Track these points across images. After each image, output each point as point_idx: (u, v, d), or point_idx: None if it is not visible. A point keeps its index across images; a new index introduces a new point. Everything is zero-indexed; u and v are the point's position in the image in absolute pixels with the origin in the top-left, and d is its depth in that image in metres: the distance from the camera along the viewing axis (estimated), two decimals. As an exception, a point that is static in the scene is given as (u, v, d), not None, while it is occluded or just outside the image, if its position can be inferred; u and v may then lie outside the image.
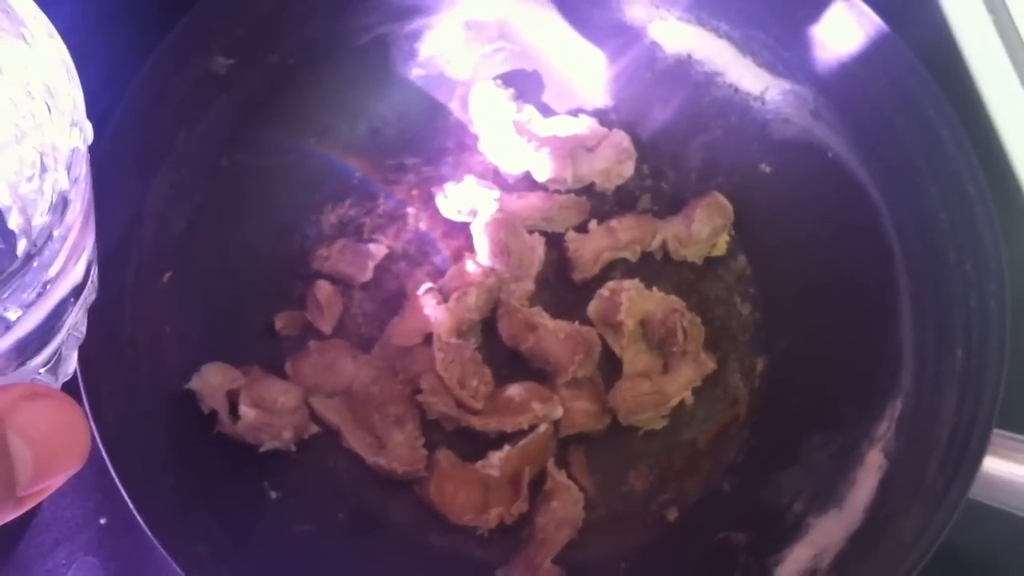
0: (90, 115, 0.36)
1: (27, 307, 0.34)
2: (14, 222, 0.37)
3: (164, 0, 0.65)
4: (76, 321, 0.40)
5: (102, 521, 0.66)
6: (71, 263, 0.36)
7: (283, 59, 0.69)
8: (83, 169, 0.35)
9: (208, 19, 0.65)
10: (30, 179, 0.37)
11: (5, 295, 0.33)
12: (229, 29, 0.66)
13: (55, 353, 0.39)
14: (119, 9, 0.66)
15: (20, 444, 0.31)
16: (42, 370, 0.39)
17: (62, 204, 0.34)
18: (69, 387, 0.40)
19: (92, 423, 0.56)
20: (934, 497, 0.60)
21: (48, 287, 0.35)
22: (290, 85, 0.70)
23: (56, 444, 0.32)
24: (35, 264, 0.33)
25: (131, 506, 0.55)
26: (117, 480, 0.55)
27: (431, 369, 0.67)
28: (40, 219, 0.36)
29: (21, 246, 0.37)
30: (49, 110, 0.36)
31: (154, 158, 0.65)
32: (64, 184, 0.34)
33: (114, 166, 0.61)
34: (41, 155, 0.37)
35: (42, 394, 0.32)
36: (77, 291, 0.38)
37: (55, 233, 0.34)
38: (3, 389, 0.32)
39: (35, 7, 0.36)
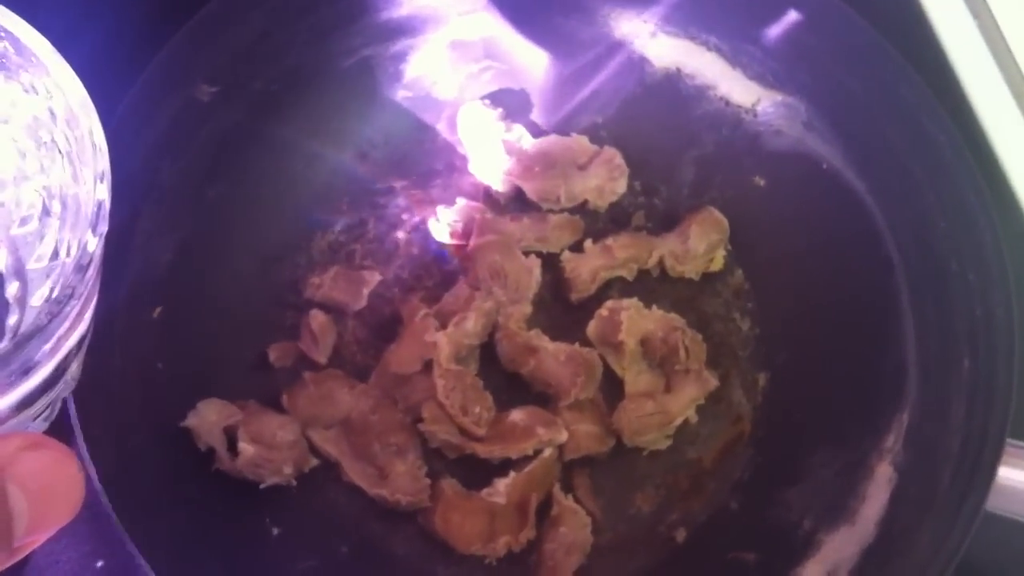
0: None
1: (38, 364, 0.34)
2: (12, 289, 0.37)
3: (148, 27, 0.63)
4: (76, 368, 0.40)
5: (99, 564, 0.64)
6: (83, 317, 0.36)
7: (267, 85, 0.68)
8: (106, 224, 0.35)
9: (190, 47, 0.64)
10: (25, 222, 0.37)
11: (20, 356, 0.32)
12: (212, 57, 0.65)
13: (53, 401, 0.39)
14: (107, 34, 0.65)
15: (18, 495, 0.31)
16: (36, 418, 0.38)
17: (87, 260, 0.33)
18: (60, 426, 0.39)
19: (91, 465, 0.54)
20: (949, 509, 0.59)
21: (60, 342, 0.34)
22: (274, 112, 0.69)
23: (52, 495, 0.32)
24: (53, 324, 0.33)
25: (135, 549, 0.53)
26: (119, 523, 0.53)
27: (432, 397, 0.66)
28: (35, 264, 0.36)
29: (12, 288, 0.37)
30: (63, 156, 0.36)
31: (138, 191, 0.63)
32: (91, 243, 0.34)
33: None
34: (44, 200, 0.36)
35: (40, 444, 0.32)
36: (82, 341, 0.37)
37: (77, 290, 0.33)
38: (1, 440, 0.32)
39: (60, 59, 0.35)
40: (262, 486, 0.63)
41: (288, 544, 0.64)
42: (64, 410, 0.53)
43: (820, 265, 0.70)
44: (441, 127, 0.74)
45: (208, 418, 0.63)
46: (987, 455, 0.59)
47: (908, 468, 0.63)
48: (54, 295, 0.34)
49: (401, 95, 0.73)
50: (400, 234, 0.72)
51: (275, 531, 0.64)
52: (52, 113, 0.36)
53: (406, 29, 0.71)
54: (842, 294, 0.69)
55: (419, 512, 0.66)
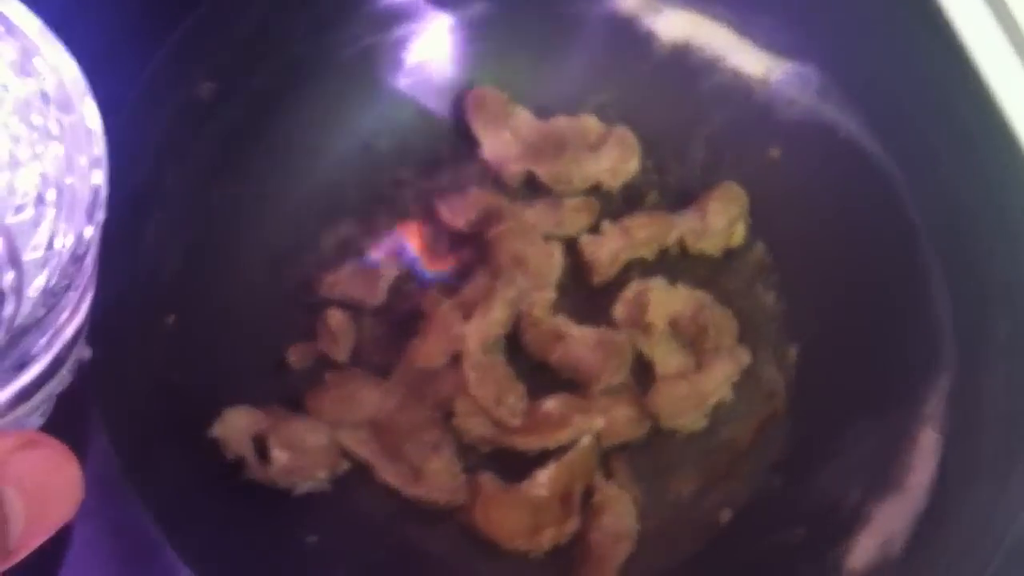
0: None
1: (34, 358, 0.33)
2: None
3: (149, 24, 0.61)
4: (73, 361, 0.38)
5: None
6: (80, 308, 0.35)
7: (267, 80, 0.66)
8: (103, 212, 0.34)
9: (192, 44, 0.62)
10: (20, 210, 0.35)
11: (16, 350, 0.32)
12: (212, 54, 0.63)
13: (49, 397, 0.37)
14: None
15: (14, 496, 0.30)
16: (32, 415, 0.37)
17: (83, 249, 0.32)
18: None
19: (140, 493, 0.52)
20: (1001, 471, 0.58)
21: (56, 335, 0.34)
22: (276, 107, 0.67)
23: (50, 495, 0.31)
24: (50, 316, 0.32)
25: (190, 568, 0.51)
26: (171, 545, 0.51)
27: (462, 390, 0.63)
28: (32, 254, 0.34)
29: (8, 278, 0.35)
30: (57, 141, 0.34)
31: (146, 197, 0.61)
32: (87, 230, 0.33)
33: (110, 209, 0.57)
34: (39, 187, 0.35)
35: (36, 443, 0.32)
36: (78, 334, 0.36)
37: (75, 280, 0.32)
38: None
39: (52, 37, 0.34)
40: (295, 493, 0.61)
41: (324, 553, 0.62)
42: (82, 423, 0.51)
43: (843, 234, 0.69)
44: (445, 114, 0.72)
45: (236, 426, 0.60)
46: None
47: (953, 433, 0.62)
48: (51, 285, 0.33)
49: (403, 83, 0.71)
50: (411, 225, 0.70)
51: (310, 540, 0.62)
52: (45, 95, 0.34)
53: (406, 15, 0.70)
54: (867, 261, 0.68)
55: (457, 510, 0.63)
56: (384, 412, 0.64)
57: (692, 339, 0.67)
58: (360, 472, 0.64)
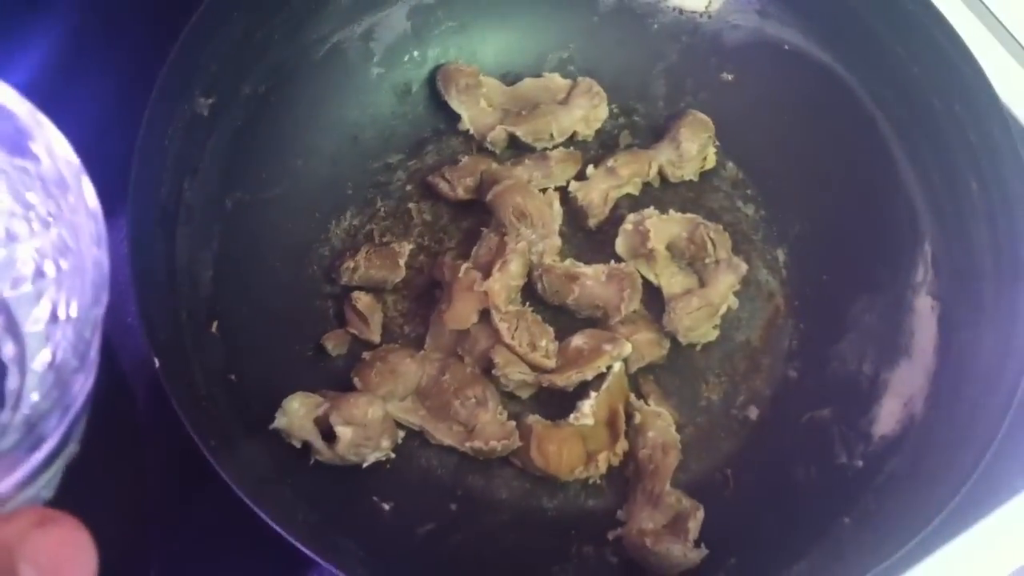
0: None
1: (45, 438, 0.34)
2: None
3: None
4: (80, 433, 0.39)
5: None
6: (87, 387, 0.36)
7: (255, 88, 0.69)
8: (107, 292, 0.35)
9: (185, 62, 0.64)
10: (18, 283, 0.37)
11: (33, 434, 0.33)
12: (204, 68, 0.65)
13: (58, 470, 0.38)
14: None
15: (31, 574, 0.31)
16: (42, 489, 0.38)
17: (91, 329, 0.34)
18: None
19: (237, 483, 0.54)
20: (1003, 315, 0.64)
21: (66, 414, 0.34)
22: (267, 113, 0.70)
23: (65, 570, 0.32)
24: (62, 397, 0.33)
25: (302, 548, 0.54)
26: (283, 530, 0.54)
27: (497, 342, 0.67)
28: (33, 327, 0.36)
29: (8, 349, 0.36)
30: (54, 219, 0.36)
31: (170, 213, 0.63)
32: (94, 310, 0.34)
33: (143, 228, 0.60)
34: (37, 261, 0.36)
35: (50, 520, 0.32)
36: (85, 407, 0.37)
37: (85, 362, 0.33)
38: (13, 517, 0.32)
39: (45, 120, 0.35)
40: (365, 465, 0.64)
41: (402, 516, 0.65)
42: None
43: (806, 138, 0.75)
44: (420, 95, 0.76)
45: (297, 414, 0.63)
46: (1024, 258, 0.64)
47: (947, 294, 0.68)
48: (57, 361, 0.34)
49: (376, 72, 0.75)
50: (410, 205, 0.74)
51: (386, 507, 0.65)
52: (40, 175, 0.35)
53: (367, 7, 0.73)
54: (834, 158, 0.74)
55: (513, 454, 0.67)
56: (427, 378, 0.67)
57: (691, 259, 0.72)
58: (415, 438, 0.67)
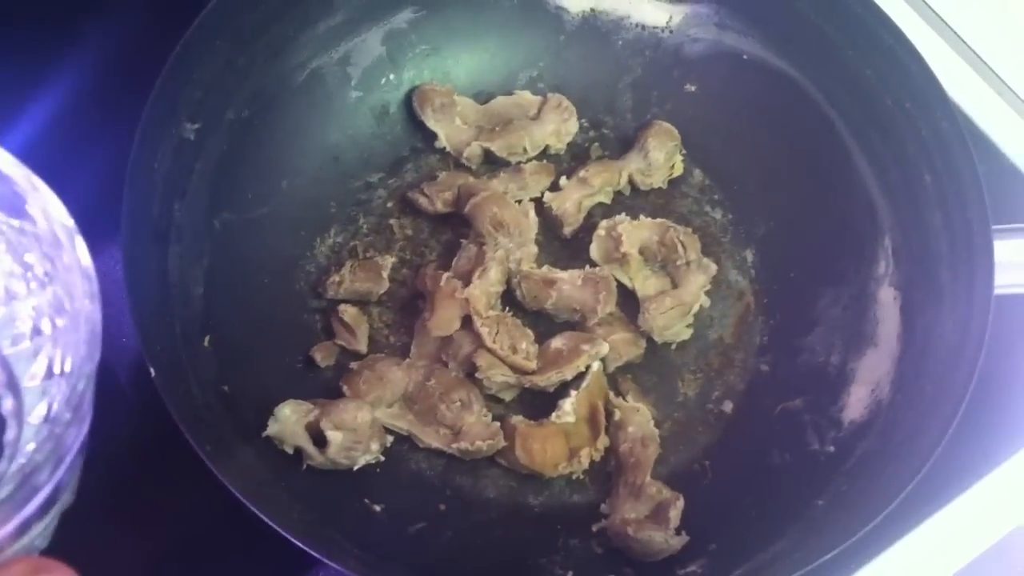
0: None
1: (39, 489, 0.35)
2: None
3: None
4: (75, 484, 0.41)
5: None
6: (80, 437, 0.37)
7: (239, 113, 0.72)
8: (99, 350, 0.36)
9: (171, 88, 0.66)
10: (17, 340, 0.38)
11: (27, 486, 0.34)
12: (190, 94, 0.68)
13: (53, 519, 0.40)
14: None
15: None
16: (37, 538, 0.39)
17: (84, 384, 0.35)
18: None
19: (233, 484, 0.57)
20: (960, 299, 0.67)
21: (59, 465, 0.36)
22: (251, 137, 0.72)
23: None
24: (56, 449, 0.34)
25: (299, 544, 0.57)
26: (280, 527, 0.57)
27: (479, 347, 0.70)
28: (30, 383, 0.38)
29: (7, 404, 0.38)
30: (50, 278, 0.38)
31: (162, 233, 0.66)
32: (86, 367, 0.35)
33: (137, 248, 0.63)
34: (34, 319, 0.38)
35: (43, 569, 0.33)
36: (79, 457, 0.39)
37: (78, 415, 0.35)
38: (8, 566, 0.33)
39: (41, 183, 0.37)
40: (355, 468, 0.66)
41: (393, 516, 0.67)
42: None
43: (767, 143, 0.78)
44: (397, 116, 0.79)
45: (289, 420, 0.65)
46: (978, 241, 0.67)
47: (907, 282, 0.71)
48: (53, 414, 0.36)
49: (354, 95, 0.77)
50: (391, 221, 0.77)
51: (377, 508, 0.67)
52: (37, 236, 0.37)
53: (343, 33, 0.76)
54: (795, 160, 0.77)
55: (499, 454, 0.70)
56: (414, 384, 0.70)
57: (663, 261, 0.75)
58: (403, 442, 0.70)
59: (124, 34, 0.79)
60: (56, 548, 0.40)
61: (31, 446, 0.36)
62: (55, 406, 0.35)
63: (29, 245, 0.37)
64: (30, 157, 0.38)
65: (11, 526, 0.34)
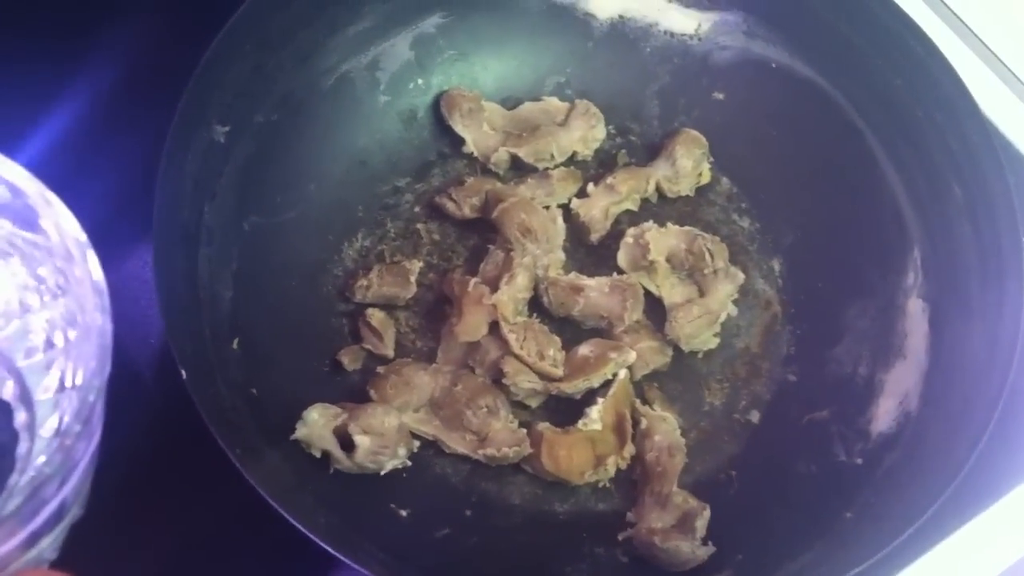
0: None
1: (47, 502, 0.36)
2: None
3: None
4: (84, 497, 0.41)
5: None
6: (90, 451, 0.38)
7: (268, 117, 0.72)
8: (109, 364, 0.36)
9: (202, 91, 0.67)
10: (31, 353, 0.39)
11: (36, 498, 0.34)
12: (219, 97, 0.68)
13: (61, 531, 0.40)
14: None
15: None
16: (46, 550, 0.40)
17: (94, 397, 0.35)
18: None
19: (262, 487, 0.57)
20: (990, 311, 0.67)
21: (68, 478, 0.36)
22: (279, 140, 0.73)
23: None
24: (65, 462, 0.35)
25: (325, 547, 0.57)
26: (307, 530, 0.57)
27: (506, 353, 0.70)
28: (43, 395, 0.38)
29: (20, 417, 0.39)
30: (62, 292, 0.38)
31: (192, 235, 0.66)
32: (96, 380, 0.36)
33: (167, 250, 0.63)
34: (48, 332, 0.39)
35: None
36: (89, 470, 0.39)
37: (88, 428, 0.35)
38: None
39: (54, 197, 0.38)
40: (382, 472, 0.66)
41: (419, 522, 0.67)
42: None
43: (796, 151, 0.78)
44: (425, 121, 0.79)
45: (317, 424, 0.65)
46: (1008, 255, 0.67)
47: (937, 295, 0.71)
48: (64, 427, 0.36)
49: (382, 100, 0.78)
50: (418, 226, 0.77)
51: (404, 513, 0.67)
52: (49, 250, 0.38)
53: (373, 37, 0.76)
54: (824, 170, 0.77)
55: (525, 460, 0.69)
56: (440, 390, 0.70)
57: (690, 269, 0.75)
58: (430, 447, 0.70)
59: (136, 47, 0.79)
60: (65, 561, 0.40)
61: (41, 459, 0.36)
62: (66, 419, 0.36)
63: (42, 259, 0.38)
64: (44, 168, 0.38)
65: (20, 538, 0.34)
